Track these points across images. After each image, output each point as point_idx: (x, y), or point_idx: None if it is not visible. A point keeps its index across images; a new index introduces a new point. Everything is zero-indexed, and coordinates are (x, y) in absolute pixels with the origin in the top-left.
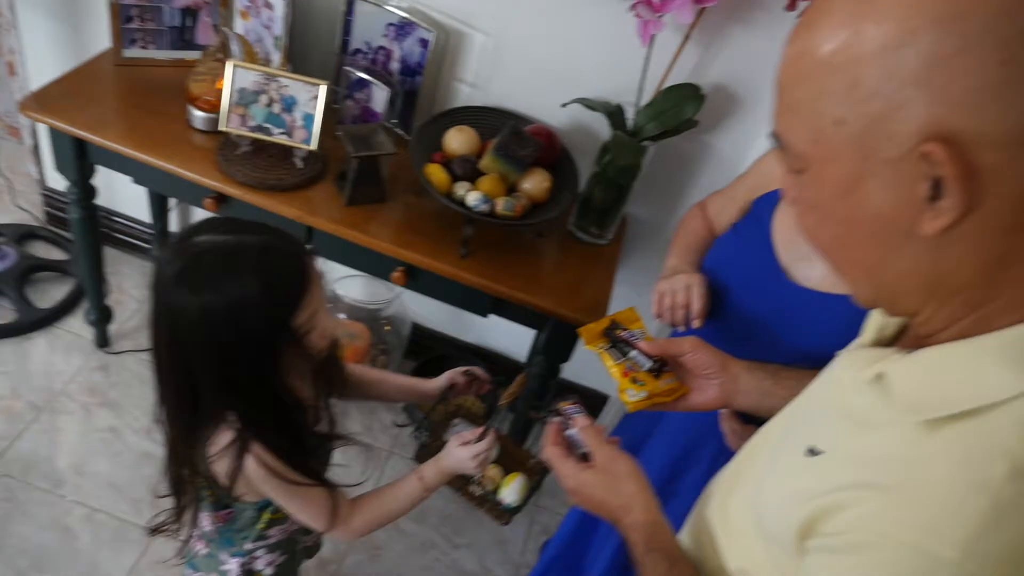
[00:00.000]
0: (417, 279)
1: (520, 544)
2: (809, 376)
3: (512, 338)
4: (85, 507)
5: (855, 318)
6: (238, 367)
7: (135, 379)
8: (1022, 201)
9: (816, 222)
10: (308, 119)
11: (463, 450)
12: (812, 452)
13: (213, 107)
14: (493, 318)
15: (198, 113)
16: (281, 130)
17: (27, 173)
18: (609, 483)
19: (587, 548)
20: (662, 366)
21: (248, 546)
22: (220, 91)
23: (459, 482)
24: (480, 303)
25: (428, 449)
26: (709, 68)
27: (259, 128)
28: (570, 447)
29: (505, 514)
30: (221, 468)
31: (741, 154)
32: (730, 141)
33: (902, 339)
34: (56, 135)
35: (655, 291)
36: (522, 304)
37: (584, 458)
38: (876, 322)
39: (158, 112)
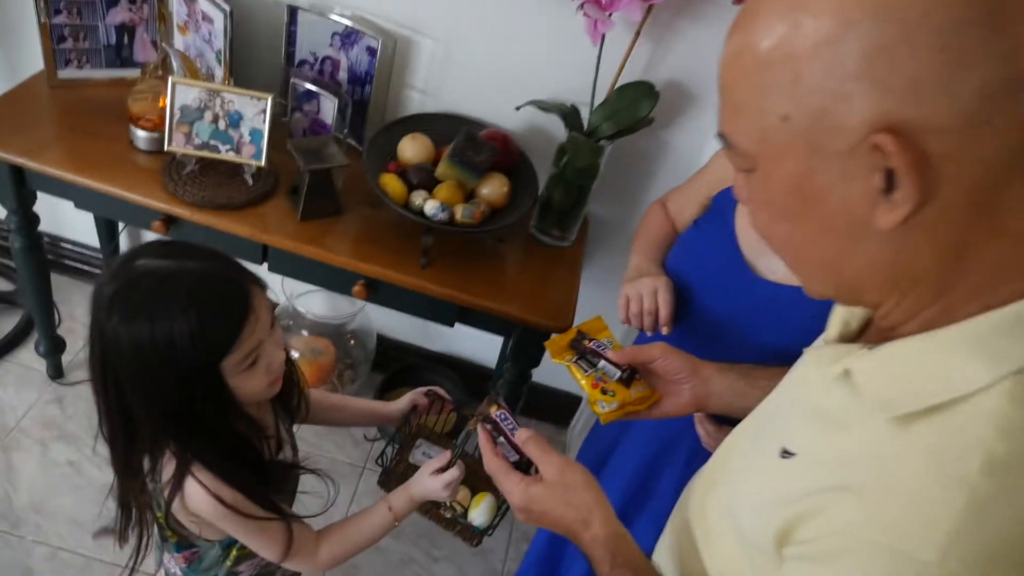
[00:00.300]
0: (379, 292)
1: (501, 553)
2: (782, 374)
3: (480, 344)
4: (47, 546)
5: (823, 311)
6: (173, 400)
7: (93, 409)
8: (976, 187)
9: (769, 220)
10: (256, 134)
11: (434, 480)
12: (785, 453)
13: (156, 126)
14: (459, 327)
15: (141, 133)
16: (228, 147)
17: None
18: (562, 496)
19: (562, 557)
20: (632, 374)
21: None
22: (162, 109)
23: (428, 505)
24: (445, 313)
25: (392, 475)
26: (661, 64)
27: (205, 146)
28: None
29: (476, 535)
30: (180, 507)
31: (697, 149)
32: (685, 137)
33: (867, 333)
34: None
35: (620, 295)
36: (488, 312)
37: (520, 467)
38: (840, 316)
39: (98, 134)
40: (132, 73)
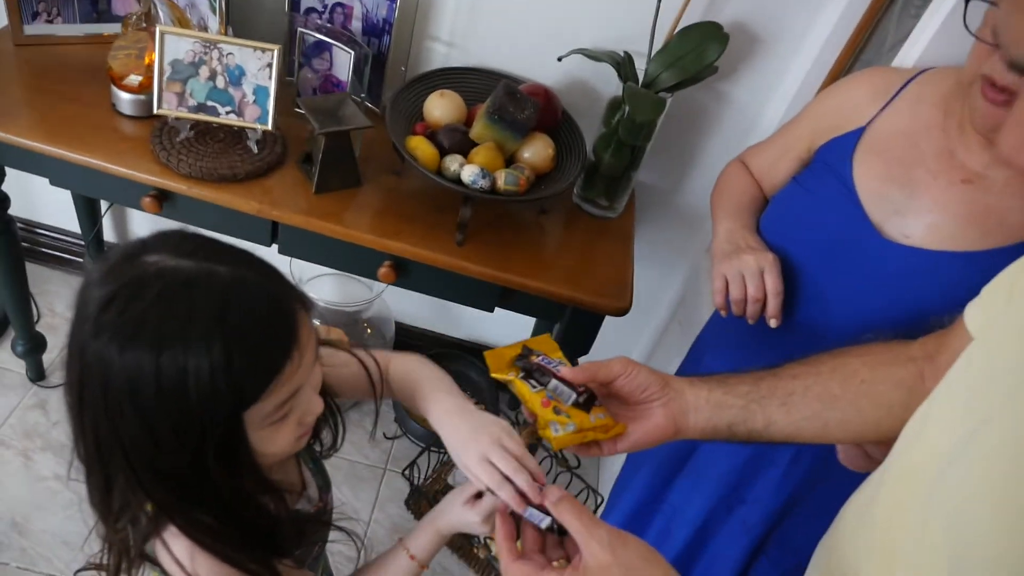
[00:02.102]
0: (408, 274)
1: None
2: (766, 377)
3: (509, 330)
4: (33, 573)
5: (966, 276)
6: (171, 456)
7: None
8: None
9: None
10: (261, 92)
11: (468, 511)
12: None
13: (143, 87)
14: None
15: (124, 95)
16: (229, 108)
17: None
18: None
19: None
20: (591, 398)
21: None
22: (149, 67)
23: (459, 540)
24: (486, 297)
25: (423, 495)
26: (724, 5)
27: (202, 108)
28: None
29: None
30: (164, 558)
31: (761, 102)
32: (748, 88)
33: None
34: None
35: (715, 274)
36: (536, 294)
37: (553, 530)
38: None
39: (74, 98)
40: (111, 28)
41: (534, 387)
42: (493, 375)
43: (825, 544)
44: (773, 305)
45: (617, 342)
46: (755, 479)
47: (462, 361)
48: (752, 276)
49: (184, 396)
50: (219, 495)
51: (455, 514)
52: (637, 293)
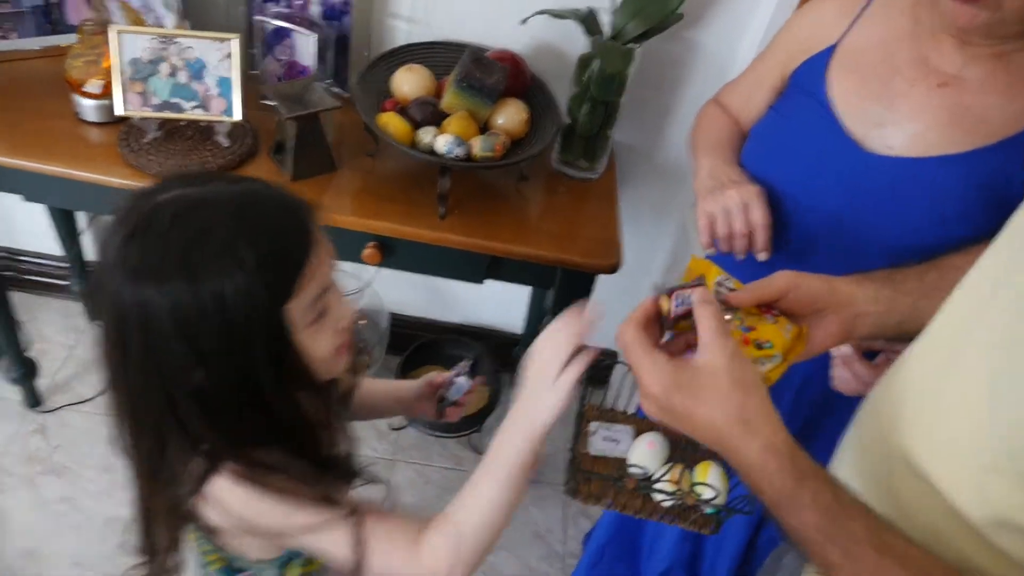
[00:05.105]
0: (394, 253)
1: (560, 533)
2: (930, 270)
3: (503, 308)
4: None
5: (954, 189)
6: (227, 375)
7: (81, 436)
8: None
9: None
10: (224, 84)
11: (551, 391)
12: None
13: (105, 91)
14: (479, 292)
15: (87, 102)
16: (194, 103)
17: None
18: (725, 391)
19: (643, 525)
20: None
21: None
22: (108, 71)
23: (640, 501)
24: (474, 268)
25: (579, 472)
26: None
27: (166, 105)
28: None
29: (712, 519)
30: (214, 514)
31: (731, 47)
32: (716, 34)
33: None
34: None
35: (699, 213)
36: (523, 260)
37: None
38: None
39: (37, 111)
40: (67, 39)
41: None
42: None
43: (849, 435)
44: (761, 238)
45: (611, 308)
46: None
47: (460, 345)
48: (737, 211)
49: (224, 310)
50: (274, 420)
51: (537, 402)
52: (626, 257)
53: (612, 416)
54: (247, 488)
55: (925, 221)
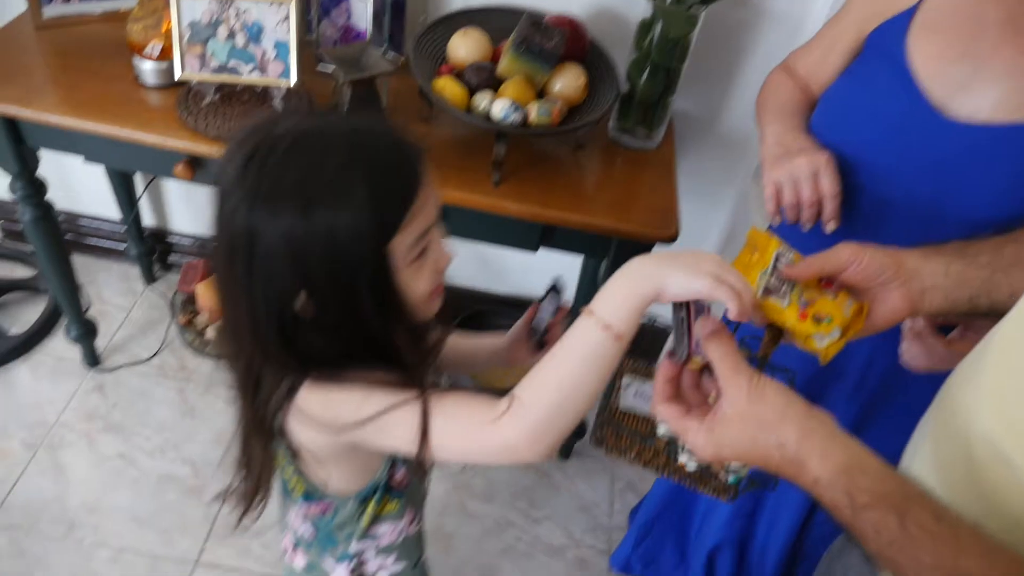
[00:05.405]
0: (447, 220)
1: (606, 506)
2: (1007, 243)
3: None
4: (108, 548)
5: None
6: (328, 297)
7: (137, 395)
8: None
9: None
10: (282, 48)
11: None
12: None
13: (164, 55)
14: (529, 262)
15: (146, 65)
16: (251, 66)
17: None
18: (758, 434)
19: (694, 500)
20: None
21: (354, 546)
22: (168, 34)
23: (662, 460)
24: (528, 236)
25: (610, 425)
26: None
27: (224, 68)
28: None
29: (731, 488)
30: (299, 428)
31: (803, 10)
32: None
33: None
34: None
35: (766, 181)
36: (579, 228)
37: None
38: None
39: (98, 73)
40: (127, 3)
41: (783, 301)
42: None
43: (925, 423)
44: (830, 208)
45: None
46: (823, 395)
47: (508, 316)
48: (806, 179)
49: (333, 239)
50: (369, 349)
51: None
52: (683, 228)
53: (647, 373)
54: (324, 386)
55: (1007, 191)
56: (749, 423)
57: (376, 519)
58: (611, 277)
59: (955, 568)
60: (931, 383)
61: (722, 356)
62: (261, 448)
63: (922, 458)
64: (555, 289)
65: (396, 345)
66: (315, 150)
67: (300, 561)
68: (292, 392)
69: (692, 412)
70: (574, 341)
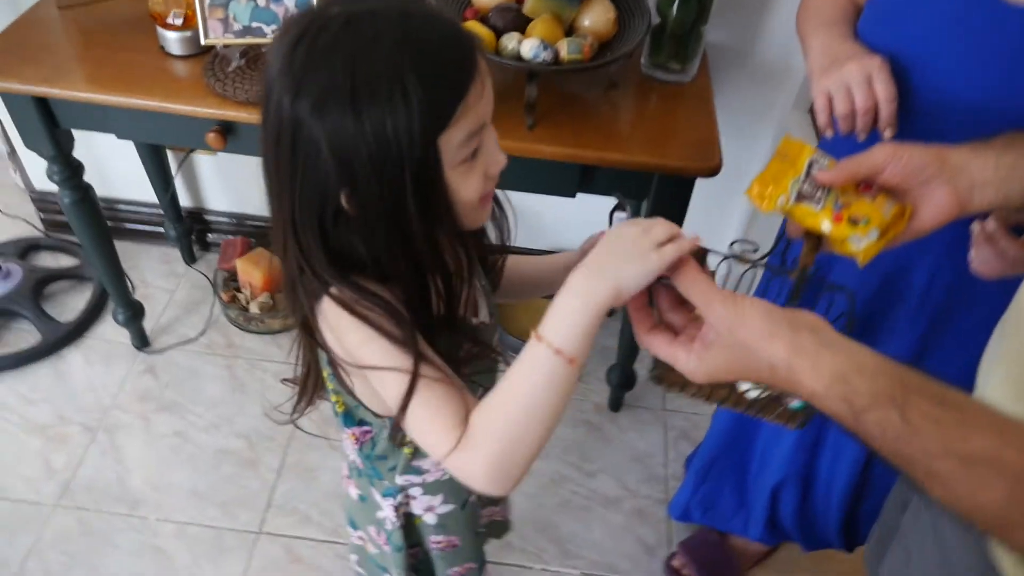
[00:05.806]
0: None
1: (660, 456)
2: None
3: (592, 231)
4: (172, 523)
5: None
6: (364, 199)
7: (187, 374)
8: None
9: None
10: (303, 5)
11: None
12: None
13: (188, 24)
14: (564, 216)
15: (170, 35)
16: (275, 26)
17: (12, 184)
18: (747, 359)
19: (751, 441)
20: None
21: (399, 481)
22: (190, 1)
23: (725, 391)
24: (566, 180)
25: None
26: None
27: (248, 31)
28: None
29: (799, 414)
30: (325, 332)
31: None
32: None
33: None
34: (13, 102)
35: (816, 92)
36: (618, 166)
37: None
38: None
39: (123, 47)
40: None
41: (817, 205)
42: (764, 210)
43: (995, 343)
44: (886, 113)
45: (707, 223)
46: (883, 317)
47: None
48: (859, 85)
49: (380, 126)
50: (411, 251)
51: (608, 247)
52: (728, 157)
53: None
54: (342, 303)
55: None
56: (735, 349)
57: (418, 451)
58: (557, 296)
59: (965, 450)
60: (1001, 297)
61: (690, 286)
62: (307, 350)
63: (996, 382)
64: (620, 207)
65: (439, 251)
66: (365, 32)
67: (353, 491)
68: (321, 289)
69: (681, 336)
70: (525, 369)
